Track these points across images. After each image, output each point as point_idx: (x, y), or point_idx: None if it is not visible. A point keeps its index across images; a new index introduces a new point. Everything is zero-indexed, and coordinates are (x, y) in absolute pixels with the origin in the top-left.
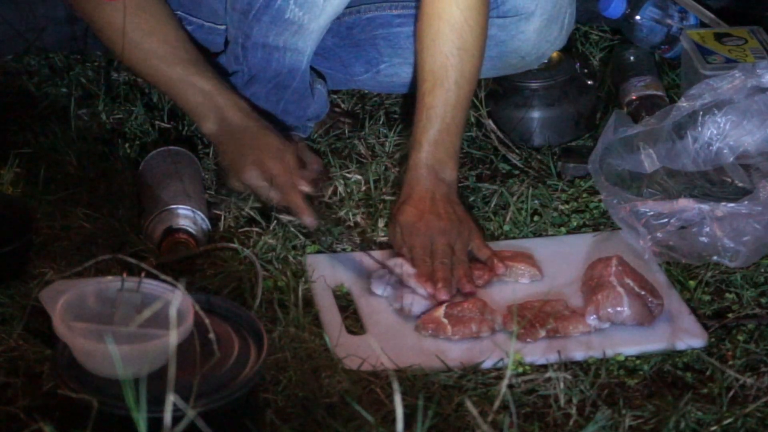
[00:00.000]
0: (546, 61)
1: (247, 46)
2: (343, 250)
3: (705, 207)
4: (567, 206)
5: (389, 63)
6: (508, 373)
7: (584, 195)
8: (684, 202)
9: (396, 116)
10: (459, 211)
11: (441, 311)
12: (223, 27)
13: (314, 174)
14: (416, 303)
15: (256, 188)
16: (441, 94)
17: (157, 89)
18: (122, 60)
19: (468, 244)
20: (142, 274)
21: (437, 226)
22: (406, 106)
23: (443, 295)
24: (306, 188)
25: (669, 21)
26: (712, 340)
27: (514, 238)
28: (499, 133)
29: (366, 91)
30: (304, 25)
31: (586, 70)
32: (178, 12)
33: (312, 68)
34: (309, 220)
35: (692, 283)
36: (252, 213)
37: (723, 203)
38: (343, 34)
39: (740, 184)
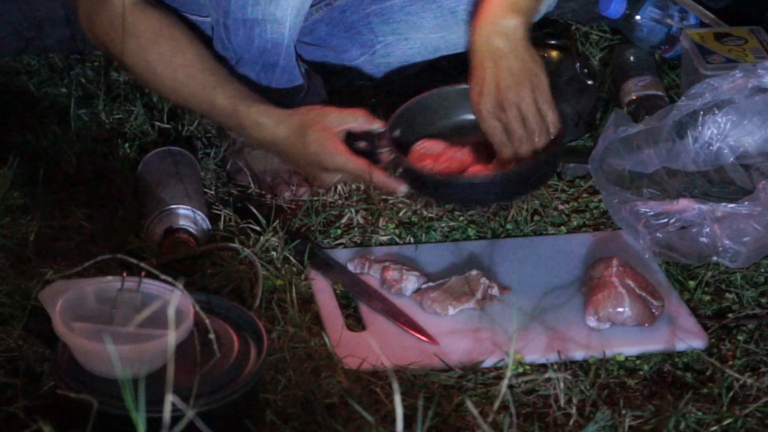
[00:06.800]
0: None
1: (229, 25)
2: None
3: (705, 207)
4: (567, 206)
5: (384, 42)
6: (508, 373)
7: (584, 195)
8: (684, 203)
9: None
10: (526, 57)
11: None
12: (209, 19)
13: (364, 126)
14: (408, 282)
15: (340, 182)
16: None
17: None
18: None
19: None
20: (142, 274)
21: (515, 91)
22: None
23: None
24: (378, 175)
25: (669, 21)
26: (712, 340)
27: (515, 237)
28: None
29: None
30: None
31: (586, 70)
32: None
33: (306, 61)
34: (400, 188)
35: (692, 283)
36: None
37: (723, 204)
38: (336, 20)
39: (740, 185)
